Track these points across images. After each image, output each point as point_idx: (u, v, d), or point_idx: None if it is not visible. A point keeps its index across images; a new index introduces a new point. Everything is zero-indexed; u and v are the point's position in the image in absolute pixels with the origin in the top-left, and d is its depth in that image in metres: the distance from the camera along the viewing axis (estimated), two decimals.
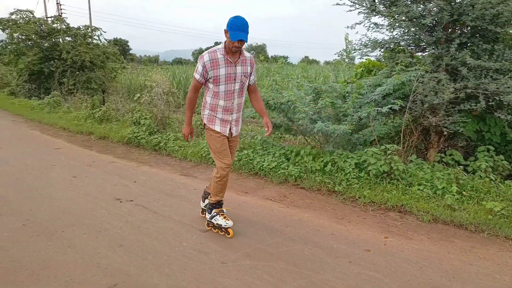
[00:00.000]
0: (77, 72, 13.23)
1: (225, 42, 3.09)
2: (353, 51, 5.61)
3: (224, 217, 3.42)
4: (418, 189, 4.28)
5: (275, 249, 3.14)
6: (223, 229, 3.42)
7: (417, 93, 4.75)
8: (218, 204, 3.48)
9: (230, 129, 3.33)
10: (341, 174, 4.73)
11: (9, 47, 13.50)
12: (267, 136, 3.51)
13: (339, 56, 5.74)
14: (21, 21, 13.22)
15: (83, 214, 3.80)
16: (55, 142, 7.33)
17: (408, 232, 3.55)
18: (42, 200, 4.16)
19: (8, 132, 8.20)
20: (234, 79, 3.18)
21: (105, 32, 14.61)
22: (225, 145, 3.32)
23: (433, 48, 4.92)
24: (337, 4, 5.46)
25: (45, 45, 13.28)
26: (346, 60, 5.59)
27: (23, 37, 13.12)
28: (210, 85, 3.19)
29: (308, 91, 5.52)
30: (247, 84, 3.34)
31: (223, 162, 3.27)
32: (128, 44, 71.72)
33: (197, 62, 3.16)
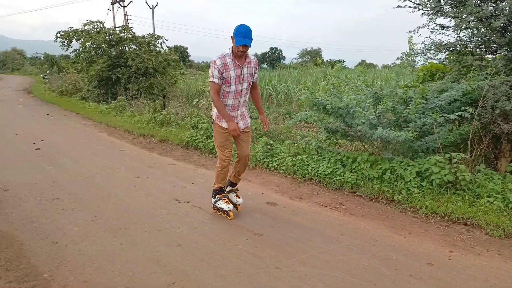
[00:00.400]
0: (140, 78, 14.02)
1: (232, 47, 3.54)
2: (415, 55, 5.37)
3: (226, 202, 3.92)
4: (488, 201, 3.96)
5: (331, 257, 3.07)
6: (225, 212, 3.90)
7: (487, 98, 4.42)
8: (221, 190, 3.98)
9: (239, 124, 3.78)
10: (401, 182, 4.52)
11: (81, 55, 14.66)
12: (265, 131, 3.88)
13: (399, 60, 5.52)
14: (92, 31, 14.32)
15: (145, 213, 3.99)
16: (120, 144, 7.80)
17: (475, 247, 3.29)
18: (108, 198, 4.44)
19: (79, 134, 8.88)
20: (242, 80, 3.64)
21: (167, 40, 15.34)
22: (228, 140, 3.80)
23: (506, 50, 4.56)
24: (399, 6, 5.26)
25: (113, 53, 14.25)
26: (408, 64, 5.36)
27: (94, 46, 14.20)
28: (222, 87, 3.63)
29: (368, 95, 5.36)
30: (251, 83, 3.77)
31: (224, 155, 3.78)
32: (187, 51, 74.67)
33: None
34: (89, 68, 14.35)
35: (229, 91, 3.63)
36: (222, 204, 3.91)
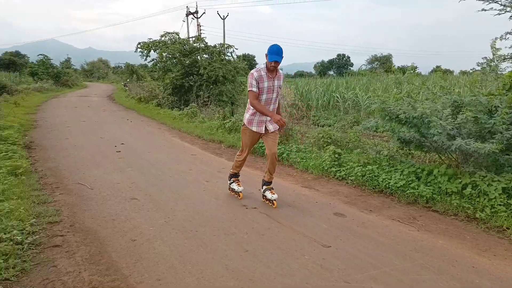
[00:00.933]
0: (211, 86, 14.58)
1: (265, 62, 4.23)
2: (501, 61, 4.92)
3: (238, 184, 4.89)
4: None
5: (404, 275, 2.90)
6: (236, 192, 4.84)
7: None
8: (235, 175, 4.96)
9: (266, 127, 4.47)
10: (484, 199, 4.14)
11: (158, 64, 15.67)
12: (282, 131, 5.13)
13: (479, 65, 5.10)
14: (169, 42, 15.25)
15: (214, 217, 4.12)
16: (192, 149, 8.16)
17: None
18: (180, 200, 4.65)
19: (155, 138, 9.46)
20: (273, 90, 4.34)
21: (237, 49, 15.80)
22: (253, 143, 4.65)
23: None
24: (483, 9, 4.86)
25: (187, 62, 15.02)
26: (492, 70, 4.92)
27: (170, 56, 15.11)
28: (264, 95, 4.32)
29: (446, 104, 5.01)
30: (280, 92, 4.49)
31: (246, 151, 4.70)
32: (255, 59, 76.15)
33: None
34: (165, 77, 15.27)
35: (261, 100, 4.32)
36: (234, 186, 4.90)
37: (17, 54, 53.24)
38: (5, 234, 3.22)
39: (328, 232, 3.75)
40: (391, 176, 5.13)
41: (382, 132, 11.56)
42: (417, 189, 4.71)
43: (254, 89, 4.23)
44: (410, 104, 4.79)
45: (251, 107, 4.41)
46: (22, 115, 12.38)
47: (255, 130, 4.47)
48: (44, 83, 28.80)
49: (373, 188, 5.20)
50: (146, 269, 2.95)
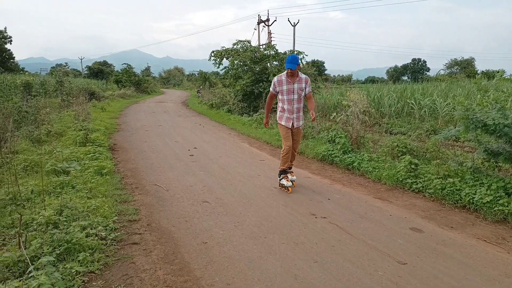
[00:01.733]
0: None
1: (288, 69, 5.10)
2: None
3: (287, 180, 5.40)
4: None
5: None
6: (285, 187, 5.36)
7: None
8: (284, 172, 5.48)
9: (292, 124, 5.34)
10: None
11: (230, 72, 16.15)
12: (312, 121, 5.69)
13: None
14: (241, 50, 15.66)
15: (282, 224, 4.09)
16: (260, 154, 8.25)
17: None
18: (249, 206, 4.70)
19: (225, 143, 9.74)
20: (293, 92, 5.23)
21: (307, 55, 15.70)
22: (288, 133, 5.37)
23: None
24: None
25: (257, 69, 15.27)
26: None
27: (241, 63, 15.49)
28: (279, 96, 5.34)
29: None
30: (303, 94, 5.31)
31: (286, 144, 5.36)
32: (324, 65, 75.17)
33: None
34: (236, 83, 15.68)
35: (282, 99, 5.32)
36: (284, 182, 5.41)
37: (104, 63, 58.63)
38: (91, 229, 3.51)
39: (404, 248, 3.52)
40: (475, 191, 4.69)
41: (463, 141, 10.67)
42: (507, 206, 4.24)
43: (271, 90, 5.41)
44: (500, 110, 4.33)
45: (279, 105, 5.44)
46: (108, 119, 13.52)
47: (283, 125, 5.39)
48: (127, 90, 31.26)
49: (454, 203, 4.80)
50: (217, 272, 3.01)
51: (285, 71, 5.21)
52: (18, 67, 51.83)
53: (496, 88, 5.82)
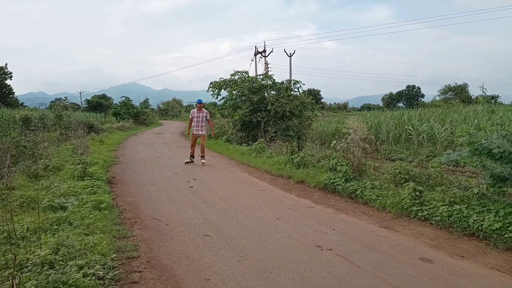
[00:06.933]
0: (278, 121, 14.71)
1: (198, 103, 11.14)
2: None
3: (188, 160, 11.10)
4: None
5: None
6: (187, 162, 11.06)
7: None
8: (192, 157, 11.00)
9: (198, 132, 10.88)
10: None
11: (228, 102, 16.29)
12: (213, 136, 14.00)
13: None
14: (238, 80, 15.87)
15: (287, 258, 3.94)
16: (260, 184, 8.14)
17: None
18: (252, 239, 4.56)
19: (225, 173, 9.64)
20: (199, 118, 10.84)
21: (303, 84, 15.91)
22: (195, 137, 10.93)
23: None
24: None
25: (255, 99, 15.41)
26: None
27: (239, 94, 15.66)
28: (193, 119, 10.98)
29: None
30: (205, 119, 10.93)
31: (192, 141, 11.07)
32: (320, 93, 76.16)
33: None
34: (234, 113, 15.77)
35: (194, 121, 10.87)
36: (188, 159, 10.90)
37: (103, 96, 59.21)
38: (89, 269, 3.36)
39: (416, 280, 3.37)
40: (483, 217, 4.58)
41: (463, 166, 10.59)
42: None
43: (190, 116, 11.08)
44: (505, 137, 4.29)
45: (193, 125, 10.95)
46: (106, 152, 13.44)
47: (194, 133, 10.84)
48: (125, 122, 31.41)
49: (463, 231, 4.67)
50: None
51: (195, 106, 11.07)
52: (18, 102, 52.22)
53: (489, 111, 5.82)
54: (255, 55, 29.46)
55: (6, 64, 50.57)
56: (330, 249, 4.18)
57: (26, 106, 41.78)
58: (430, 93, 75.24)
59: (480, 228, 4.51)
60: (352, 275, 3.50)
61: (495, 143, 4.27)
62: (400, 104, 71.94)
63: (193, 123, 10.86)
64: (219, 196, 6.85)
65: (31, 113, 18.09)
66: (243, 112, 15.10)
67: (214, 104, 36.57)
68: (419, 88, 78.91)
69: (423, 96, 78.49)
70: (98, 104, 50.58)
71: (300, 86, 15.88)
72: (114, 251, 3.99)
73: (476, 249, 4.18)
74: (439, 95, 64.83)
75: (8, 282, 3.06)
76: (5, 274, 3.32)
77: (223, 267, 3.72)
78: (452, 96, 61.93)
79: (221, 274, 3.54)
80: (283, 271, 3.58)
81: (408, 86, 78.86)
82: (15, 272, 2.95)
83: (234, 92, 15.70)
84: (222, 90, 15.90)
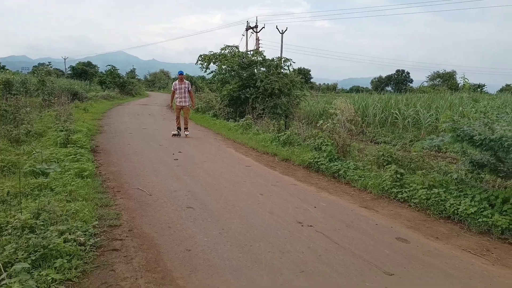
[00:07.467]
0: (266, 99, 14.65)
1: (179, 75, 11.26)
2: None
3: (174, 132, 11.25)
4: None
5: None
6: (173, 135, 11.24)
7: None
8: (179, 129, 11.11)
9: (181, 104, 11.01)
10: None
11: (217, 77, 16.07)
12: (193, 108, 12.47)
13: None
14: (228, 55, 15.62)
15: (268, 232, 4.01)
16: (246, 160, 8.17)
17: None
18: (234, 212, 4.61)
19: (210, 147, 9.63)
20: (182, 89, 10.91)
21: (294, 62, 15.78)
22: (178, 108, 11.11)
23: None
24: None
25: (244, 75, 15.25)
26: None
27: (229, 69, 15.45)
28: (176, 91, 11.01)
29: None
30: (187, 90, 10.98)
31: (176, 113, 11.27)
32: (310, 73, 75.78)
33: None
34: (223, 88, 15.60)
35: (177, 93, 10.94)
36: (173, 132, 10.97)
37: (88, 64, 57.68)
38: (70, 234, 3.36)
39: (391, 258, 3.49)
40: (460, 202, 4.72)
41: (445, 152, 10.83)
42: (491, 217, 4.28)
43: (172, 89, 11.24)
44: (487, 125, 4.38)
45: (176, 96, 11.04)
46: (90, 121, 13.23)
47: (177, 104, 11.01)
48: (111, 92, 30.76)
49: (439, 214, 4.82)
50: (201, 282, 2.91)
51: (178, 78, 11.23)
52: None
53: (473, 99, 5.92)
54: (247, 30, 28.97)
55: None
56: (311, 226, 4.27)
57: (7, 69, 40.50)
58: (419, 78, 75.77)
59: (456, 211, 4.66)
60: (330, 251, 3.60)
61: (477, 130, 4.36)
62: (389, 88, 72.30)
63: (176, 95, 10.99)
64: (204, 170, 6.86)
65: (13, 77, 17.53)
66: (231, 87, 14.95)
67: (203, 77, 36.13)
68: (408, 73, 79.29)
69: (411, 81, 78.98)
70: (83, 71, 49.34)
71: (290, 64, 15.75)
72: (96, 219, 4.00)
73: (450, 232, 4.32)
74: (427, 81, 65.33)
75: None
76: None
77: (205, 238, 3.77)
78: (440, 82, 62.45)
79: (202, 245, 3.59)
80: (263, 245, 3.66)
81: (397, 71, 79.11)
82: None
83: (223, 67, 15.47)
84: (211, 63, 15.63)
